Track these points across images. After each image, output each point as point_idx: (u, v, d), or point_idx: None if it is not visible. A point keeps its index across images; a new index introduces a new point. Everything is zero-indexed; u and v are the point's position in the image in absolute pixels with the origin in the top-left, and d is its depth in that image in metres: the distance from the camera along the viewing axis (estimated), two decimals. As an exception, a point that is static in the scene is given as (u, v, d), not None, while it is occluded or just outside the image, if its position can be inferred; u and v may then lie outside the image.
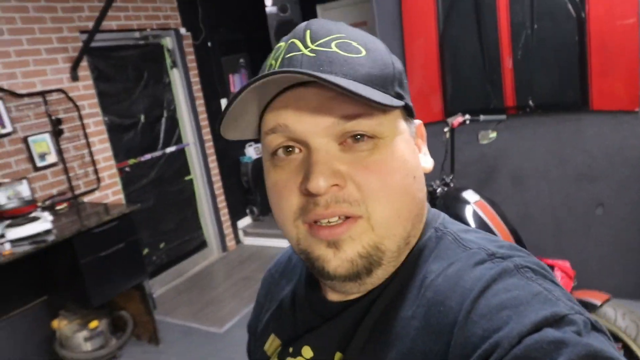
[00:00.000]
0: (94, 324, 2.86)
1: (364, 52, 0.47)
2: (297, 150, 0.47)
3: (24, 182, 2.84)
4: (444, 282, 0.46)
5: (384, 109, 0.45)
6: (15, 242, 2.44)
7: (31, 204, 2.73)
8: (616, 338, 1.95)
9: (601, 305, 2.02)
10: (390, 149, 0.47)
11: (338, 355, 0.51)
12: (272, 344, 0.61)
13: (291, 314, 0.60)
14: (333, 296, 0.54)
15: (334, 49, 0.46)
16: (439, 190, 2.41)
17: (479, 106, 2.84)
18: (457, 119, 2.46)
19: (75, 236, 2.55)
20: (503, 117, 2.51)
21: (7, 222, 2.52)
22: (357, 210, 0.45)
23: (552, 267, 2.05)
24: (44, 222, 2.56)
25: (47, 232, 2.55)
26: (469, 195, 2.31)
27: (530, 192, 2.91)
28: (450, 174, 2.47)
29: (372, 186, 0.45)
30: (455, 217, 2.20)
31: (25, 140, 2.92)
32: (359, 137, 0.45)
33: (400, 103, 0.48)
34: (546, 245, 2.87)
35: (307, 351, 0.54)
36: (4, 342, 2.75)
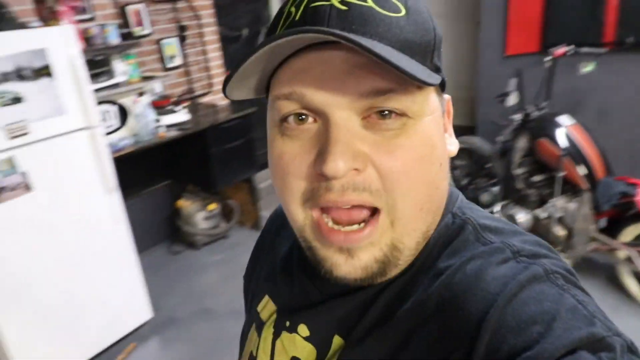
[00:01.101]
0: (211, 206, 3.37)
1: (403, 12, 0.40)
2: (311, 119, 0.41)
3: (158, 80, 3.26)
4: (462, 280, 0.41)
5: (421, 85, 0.39)
6: (168, 126, 2.90)
7: (166, 98, 3.16)
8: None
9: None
10: (419, 131, 0.41)
11: (337, 339, 0.48)
12: (266, 306, 0.57)
13: (288, 280, 0.55)
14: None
15: (370, 3, 0.39)
16: (533, 114, 2.67)
17: (577, 39, 2.99)
18: (560, 50, 2.66)
19: (208, 128, 2.99)
20: (603, 50, 2.70)
21: (158, 109, 2.96)
22: (378, 202, 0.40)
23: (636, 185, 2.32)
24: (184, 114, 3.00)
25: (186, 122, 3.00)
26: (564, 119, 2.57)
27: (614, 126, 3.12)
28: (546, 100, 2.71)
29: (396, 174, 0.40)
30: (549, 139, 2.48)
31: (158, 42, 3.31)
32: (386, 113, 0.39)
33: (438, 79, 0.42)
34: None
35: (303, 329, 0.50)
36: (136, 215, 3.28)
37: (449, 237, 0.46)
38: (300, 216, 0.43)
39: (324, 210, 0.42)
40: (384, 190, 0.40)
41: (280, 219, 0.63)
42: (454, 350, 0.39)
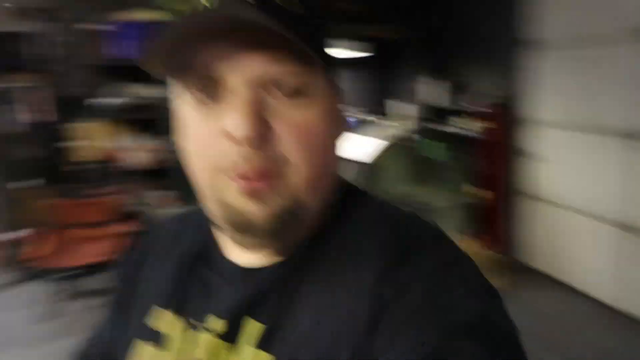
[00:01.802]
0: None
1: (303, 11, 0.43)
2: (215, 89, 0.43)
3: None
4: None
5: (312, 63, 0.42)
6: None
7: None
8: None
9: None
10: (316, 108, 0.45)
11: (254, 323, 0.48)
12: (167, 319, 0.54)
13: (189, 282, 0.55)
14: (241, 261, 0.51)
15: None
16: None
17: None
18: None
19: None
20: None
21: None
22: (278, 168, 0.43)
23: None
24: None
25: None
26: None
27: None
28: None
29: (299, 146, 0.43)
30: None
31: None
32: (283, 86, 0.42)
33: (328, 60, 0.46)
34: None
35: (217, 323, 0.49)
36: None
37: (349, 210, 0.51)
38: (211, 180, 0.45)
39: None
40: (284, 159, 0.43)
41: (156, 244, 0.62)
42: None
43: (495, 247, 3.51)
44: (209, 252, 0.55)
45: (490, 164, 3.62)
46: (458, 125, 3.94)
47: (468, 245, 3.46)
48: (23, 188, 3.52)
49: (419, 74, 4.39)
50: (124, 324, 0.59)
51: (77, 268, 3.02)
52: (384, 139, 3.13)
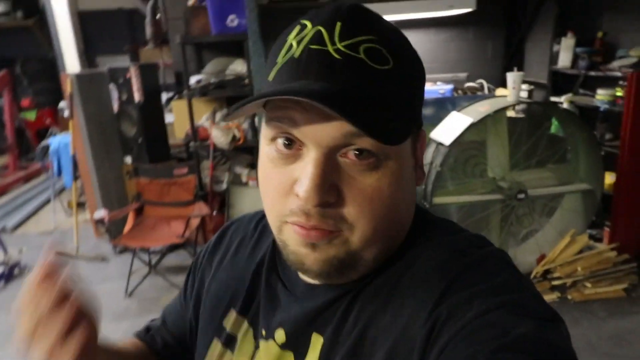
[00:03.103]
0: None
1: (391, 63, 0.44)
2: (297, 145, 0.45)
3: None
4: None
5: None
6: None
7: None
8: None
9: None
10: (390, 172, 0.45)
11: (316, 336, 0.51)
12: (234, 320, 0.59)
13: (259, 289, 0.59)
14: (307, 278, 0.54)
15: (362, 55, 0.43)
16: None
17: None
18: None
19: None
20: None
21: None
22: (341, 226, 0.45)
23: None
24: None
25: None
26: None
27: None
28: None
29: (362, 210, 0.45)
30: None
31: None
32: (360, 152, 0.44)
33: (403, 137, 0.45)
34: None
35: (280, 335, 0.53)
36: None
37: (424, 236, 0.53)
38: (277, 224, 0.49)
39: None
40: (347, 221, 0.45)
41: (234, 240, 0.67)
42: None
43: (623, 245, 2.86)
44: (283, 264, 0.58)
45: (627, 144, 2.88)
46: (592, 97, 3.23)
47: (588, 242, 2.87)
48: (119, 166, 3.72)
49: (546, 33, 3.70)
50: (194, 312, 0.66)
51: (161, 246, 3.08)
52: (488, 112, 2.63)
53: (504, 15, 4.35)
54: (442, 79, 4.10)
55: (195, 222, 3.18)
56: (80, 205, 4.15)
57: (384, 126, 0.42)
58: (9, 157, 6.05)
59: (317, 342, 0.50)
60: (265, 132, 0.48)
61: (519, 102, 2.69)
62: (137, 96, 3.37)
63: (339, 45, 0.43)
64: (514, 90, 2.64)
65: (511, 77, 2.67)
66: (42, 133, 6.17)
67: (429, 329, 0.43)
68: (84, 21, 5.27)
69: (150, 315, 0.77)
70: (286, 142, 0.45)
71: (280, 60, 0.45)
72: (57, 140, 4.15)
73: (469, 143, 2.77)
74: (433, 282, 0.46)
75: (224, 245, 0.67)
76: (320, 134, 0.43)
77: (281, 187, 0.46)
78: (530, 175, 2.79)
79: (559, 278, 2.75)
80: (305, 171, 0.44)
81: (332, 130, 0.43)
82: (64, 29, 4.31)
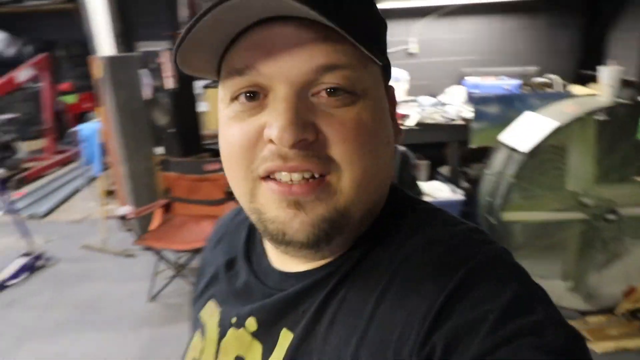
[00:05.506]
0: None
1: None
2: (261, 96, 0.41)
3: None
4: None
5: (367, 63, 0.42)
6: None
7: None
8: None
9: None
10: (369, 108, 0.42)
11: (285, 332, 0.47)
12: (209, 310, 0.58)
13: (233, 277, 0.57)
14: (280, 265, 0.51)
15: None
16: None
17: None
18: None
19: None
20: None
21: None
22: (326, 168, 0.41)
23: None
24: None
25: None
26: None
27: None
28: None
29: (347, 145, 0.40)
30: None
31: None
32: (334, 90, 0.40)
33: (384, 60, 0.45)
34: None
35: (251, 323, 0.51)
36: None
37: (401, 217, 0.48)
38: (247, 185, 0.43)
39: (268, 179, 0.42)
40: (332, 159, 0.41)
41: (218, 233, 0.65)
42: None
43: None
44: (256, 252, 0.56)
45: None
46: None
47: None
48: (149, 157, 3.49)
49: (636, 22, 3.17)
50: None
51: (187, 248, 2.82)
52: (578, 114, 2.18)
53: (583, 1, 3.81)
54: (508, 72, 3.62)
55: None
56: (111, 194, 3.98)
57: (357, 25, 0.39)
58: (47, 141, 6.00)
59: (285, 339, 0.47)
60: (224, 94, 0.44)
61: (618, 104, 2.22)
62: (169, 83, 3.11)
63: None
64: (610, 89, 2.17)
65: (607, 72, 2.21)
66: (82, 117, 6.09)
67: (423, 336, 0.37)
68: (125, 5, 5.12)
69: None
70: (249, 95, 0.42)
71: None
72: (88, 127, 3.97)
73: (547, 148, 2.33)
74: (427, 291, 0.39)
75: (212, 242, 0.66)
76: (289, 70, 0.40)
77: (246, 138, 0.41)
78: (621, 190, 2.32)
79: (651, 317, 2.29)
80: (275, 110, 0.40)
81: (301, 64, 0.39)
82: (98, 10, 4.11)
